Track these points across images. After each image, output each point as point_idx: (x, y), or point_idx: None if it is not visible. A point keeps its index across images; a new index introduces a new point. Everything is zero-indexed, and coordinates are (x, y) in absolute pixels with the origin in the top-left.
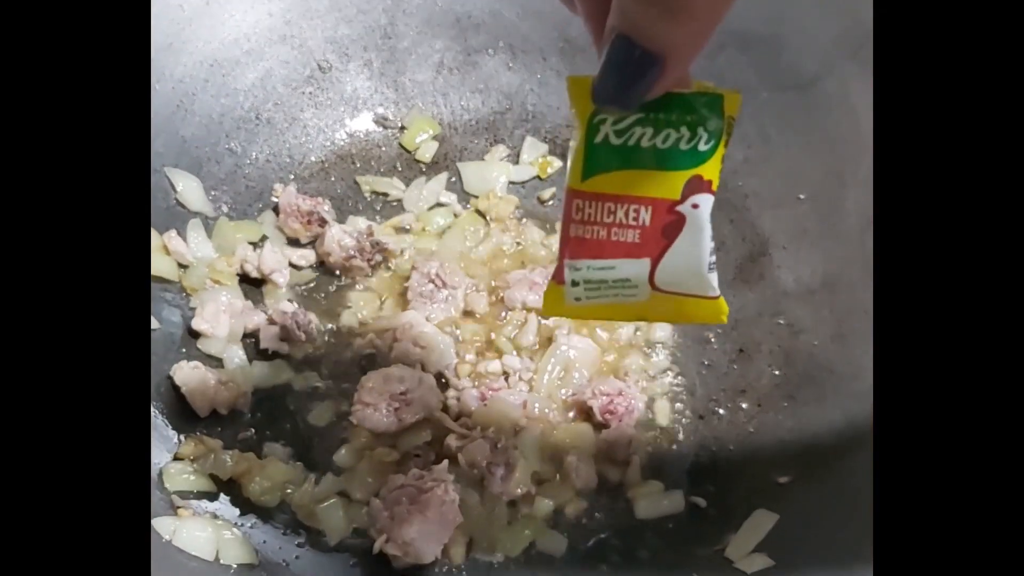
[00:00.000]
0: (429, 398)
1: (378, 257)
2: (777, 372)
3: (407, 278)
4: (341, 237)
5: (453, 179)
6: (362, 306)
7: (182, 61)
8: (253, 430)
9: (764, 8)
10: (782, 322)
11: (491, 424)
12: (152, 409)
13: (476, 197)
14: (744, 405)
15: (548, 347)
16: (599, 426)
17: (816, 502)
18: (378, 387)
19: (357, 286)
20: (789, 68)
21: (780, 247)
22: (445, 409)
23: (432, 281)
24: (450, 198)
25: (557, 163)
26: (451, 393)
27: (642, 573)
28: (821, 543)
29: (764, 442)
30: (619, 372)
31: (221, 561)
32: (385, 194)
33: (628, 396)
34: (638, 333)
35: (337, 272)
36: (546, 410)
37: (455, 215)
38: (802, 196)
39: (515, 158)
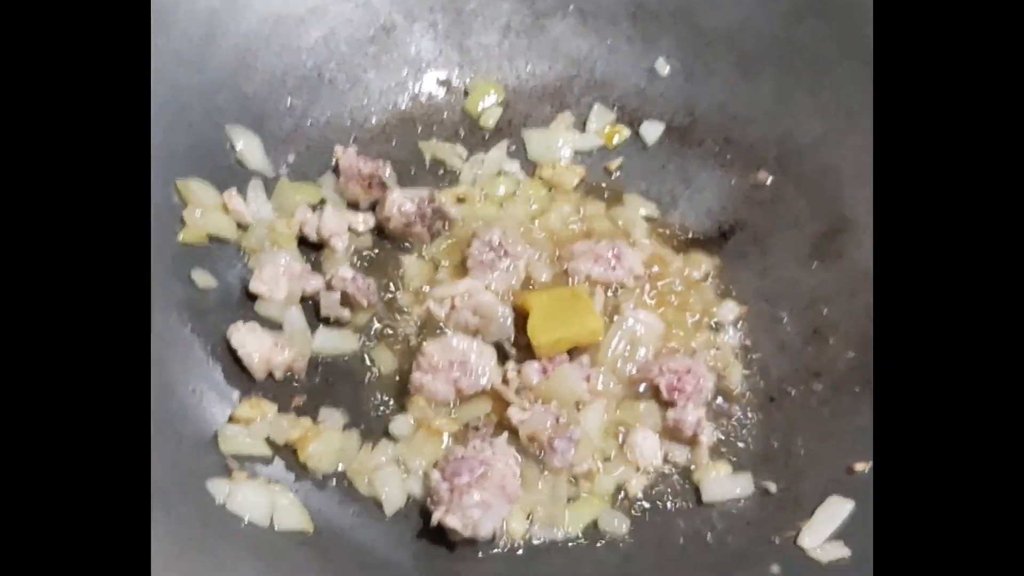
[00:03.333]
0: (489, 369)
1: (439, 224)
2: (853, 355)
3: (467, 246)
4: (402, 202)
5: (514, 147)
6: (420, 273)
7: (246, 16)
8: (306, 395)
9: None
10: (859, 302)
11: (553, 398)
12: (207, 370)
13: (540, 166)
14: (818, 388)
15: (613, 321)
16: (665, 404)
17: None
18: (438, 356)
19: (416, 253)
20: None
21: (860, 224)
22: (505, 381)
23: (493, 249)
24: (513, 166)
25: (625, 132)
26: (510, 365)
27: (709, 557)
28: None
29: (839, 427)
30: (687, 349)
31: (276, 527)
32: (445, 161)
33: (697, 374)
34: (708, 310)
35: (396, 238)
36: (610, 385)
37: (518, 183)
38: None
39: (581, 126)
